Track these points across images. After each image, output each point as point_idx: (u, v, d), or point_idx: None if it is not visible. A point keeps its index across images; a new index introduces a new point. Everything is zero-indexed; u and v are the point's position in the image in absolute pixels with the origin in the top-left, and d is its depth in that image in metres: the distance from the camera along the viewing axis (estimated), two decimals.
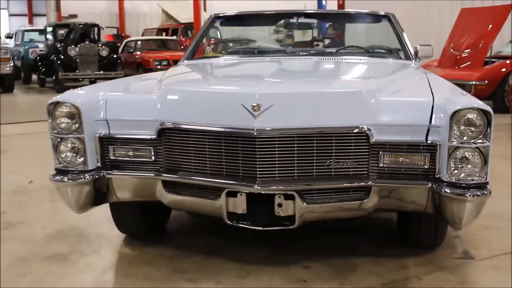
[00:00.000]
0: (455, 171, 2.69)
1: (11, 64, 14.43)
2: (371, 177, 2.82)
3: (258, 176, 2.78)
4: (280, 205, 2.83)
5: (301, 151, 2.77)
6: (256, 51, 4.66)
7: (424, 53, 4.47)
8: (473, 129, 2.64)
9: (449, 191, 2.67)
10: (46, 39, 16.76)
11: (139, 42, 18.19)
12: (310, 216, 2.88)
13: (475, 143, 2.65)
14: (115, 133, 3.00)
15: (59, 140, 2.95)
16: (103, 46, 15.61)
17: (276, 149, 2.75)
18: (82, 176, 2.96)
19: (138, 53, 17.06)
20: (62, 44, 15.37)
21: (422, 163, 2.78)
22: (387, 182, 2.82)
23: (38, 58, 16.42)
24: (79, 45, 14.96)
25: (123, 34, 25.33)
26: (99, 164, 3.01)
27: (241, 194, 2.82)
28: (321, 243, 3.50)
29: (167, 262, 3.23)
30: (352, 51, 4.53)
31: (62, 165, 2.98)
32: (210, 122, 2.82)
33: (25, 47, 18.44)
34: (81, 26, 15.80)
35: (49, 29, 16.49)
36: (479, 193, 2.66)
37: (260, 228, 2.90)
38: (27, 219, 4.05)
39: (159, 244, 3.49)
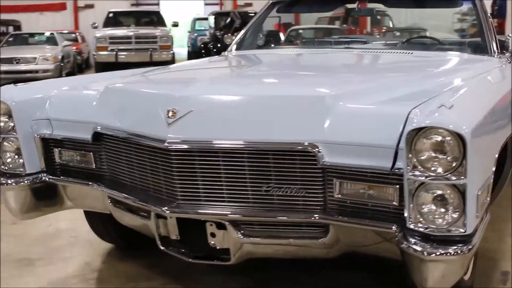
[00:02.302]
0: (420, 216, 1.90)
1: (172, 52, 15.02)
2: (328, 211, 2.13)
3: (178, 197, 2.25)
4: (213, 234, 2.28)
5: (229, 171, 2.17)
6: (333, 42, 4.06)
7: None
8: (441, 157, 1.83)
9: (407, 244, 1.89)
10: (210, 27, 17.25)
11: (300, 31, 17.89)
12: (252, 252, 2.28)
13: (447, 179, 1.83)
14: (57, 134, 2.67)
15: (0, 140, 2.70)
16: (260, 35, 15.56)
17: (197, 166, 2.19)
18: (20, 180, 2.68)
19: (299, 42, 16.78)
20: (221, 32, 15.67)
21: (390, 198, 2.02)
22: (348, 220, 2.09)
23: (202, 45, 16.95)
24: (235, 34, 15.10)
25: (292, 23, 25.18)
26: (43, 168, 2.71)
27: (171, 217, 2.32)
28: (309, 279, 2.83)
29: (122, 283, 2.86)
30: (418, 42, 3.69)
31: (5, 167, 2.73)
32: (133, 129, 2.35)
33: (195, 35, 19.25)
34: (240, 15, 15.94)
35: (211, 17, 16.92)
36: (451, 251, 1.84)
37: (191, 260, 2.38)
38: None
39: (136, 258, 3.11)
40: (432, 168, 1.84)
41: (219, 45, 15.31)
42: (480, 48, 3.36)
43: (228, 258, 2.30)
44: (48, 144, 2.70)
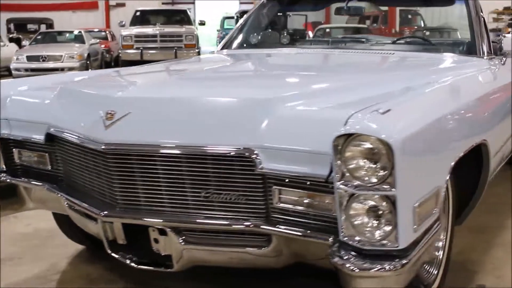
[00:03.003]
0: (353, 229, 1.79)
1: (197, 50, 15.01)
2: (271, 220, 2.03)
3: (118, 202, 2.19)
4: (156, 240, 2.21)
5: (168, 176, 2.09)
6: (330, 42, 4.00)
7: None
8: (371, 166, 1.72)
9: (338, 259, 1.78)
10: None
11: (328, 30, 17.73)
12: (194, 259, 2.20)
13: (377, 189, 1.72)
14: (15, 135, 2.64)
15: None
16: (285, 34, 15.45)
17: (136, 170, 2.12)
18: None
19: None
20: None
21: (329, 207, 1.91)
22: (289, 230, 1.99)
23: None
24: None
25: (321, 22, 24.96)
26: (3, 168, 2.70)
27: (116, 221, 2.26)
28: (272, 285, 2.74)
29: (83, 285, 2.82)
30: (406, 43, 3.56)
31: None
32: (78, 131, 2.30)
33: (223, 33, 19.27)
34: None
35: (236, 16, 16.89)
36: (383, 267, 1.73)
37: (136, 266, 2.31)
38: (26, 213, 3.90)
39: (102, 260, 3.02)
40: (364, 178, 1.73)
41: None
42: (469, 49, 3.21)
43: (172, 264, 2.23)
44: (7, 144, 2.68)
